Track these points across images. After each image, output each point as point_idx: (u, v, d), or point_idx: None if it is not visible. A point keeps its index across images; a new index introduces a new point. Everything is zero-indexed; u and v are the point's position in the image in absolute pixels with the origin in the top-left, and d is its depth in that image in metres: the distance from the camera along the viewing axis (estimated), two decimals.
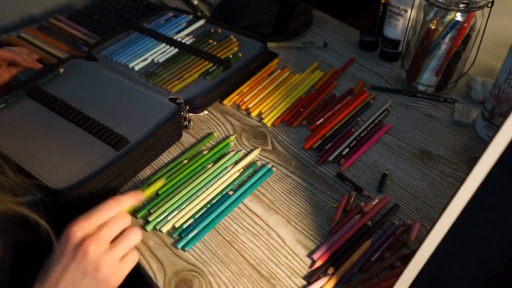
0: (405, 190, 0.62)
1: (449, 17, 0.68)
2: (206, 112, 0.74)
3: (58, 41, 0.89)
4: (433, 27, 0.69)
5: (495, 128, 0.65)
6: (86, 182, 0.57)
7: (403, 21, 0.78)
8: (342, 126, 0.71)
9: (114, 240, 0.47)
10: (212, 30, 0.85)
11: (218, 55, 0.78)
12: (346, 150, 0.66)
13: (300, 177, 0.64)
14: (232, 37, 0.83)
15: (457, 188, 0.34)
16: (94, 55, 0.80)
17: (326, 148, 0.67)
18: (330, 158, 0.65)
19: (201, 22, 0.88)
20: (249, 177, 0.63)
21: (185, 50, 0.80)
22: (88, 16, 0.95)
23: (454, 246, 0.38)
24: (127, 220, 0.49)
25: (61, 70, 0.76)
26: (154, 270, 0.53)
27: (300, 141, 0.69)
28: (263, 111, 0.74)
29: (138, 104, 0.70)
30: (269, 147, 0.68)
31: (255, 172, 0.64)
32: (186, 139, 0.70)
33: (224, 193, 0.61)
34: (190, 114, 0.72)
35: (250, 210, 0.60)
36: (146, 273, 0.53)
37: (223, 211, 0.59)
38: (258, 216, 0.59)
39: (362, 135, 0.69)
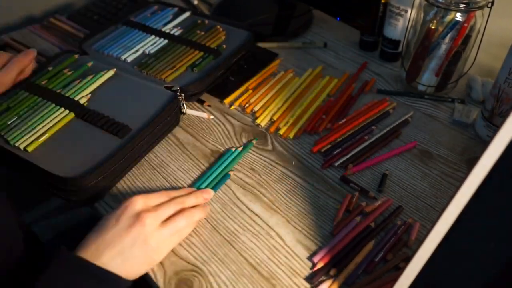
0: (405, 190, 0.62)
1: (449, 17, 0.68)
2: (212, 116, 0.73)
3: (61, 40, 0.89)
4: (433, 27, 0.69)
5: (495, 128, 0.65)
6: (97, 168, 0.58)
7: (403, 21, 0.78)
8: (355, 133, 0.69)
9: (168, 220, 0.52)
10: (199, 21, 0.86)
11: (207, 45, 0.79)
12: (354, 157, 0.65)
13: (300, 177, 0.64)
14: (218, 26, 0.84)
15: (457, 188, 0.34)
16: (85, 49, 0.81)
17: (334, 153, 0.66)
18: (337, 164, 0.65)
19: (187, 14, 0.88)
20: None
21: (174, 41, 0.81)
22: (88, 16, 0.95)
23: (454, 246, 0.38)
24: (184, 205, 0.55)
25: (89, 64, 0.76)
26: (154, 270, 0.53)
27: (300, 141, 0.69)
28: (274, 118, 0.72)
29: (136, 93, 0.71)
30: (269, 147, 0.68)
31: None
32: (187, 139, 0.70)
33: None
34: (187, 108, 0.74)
35: (250, 210, 0.60)
36: (146, 273, 0.53)
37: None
38: (258, 216, 0.59)
39: (375, 143, 0.67)
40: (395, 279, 0.50)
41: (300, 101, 0.75)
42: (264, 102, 0.75)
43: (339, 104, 0.74)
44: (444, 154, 0.67)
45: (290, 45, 0.89)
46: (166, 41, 0.81)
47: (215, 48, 0.78)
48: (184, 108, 0.72)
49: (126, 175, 0.64)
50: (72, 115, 0.67)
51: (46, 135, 0.64)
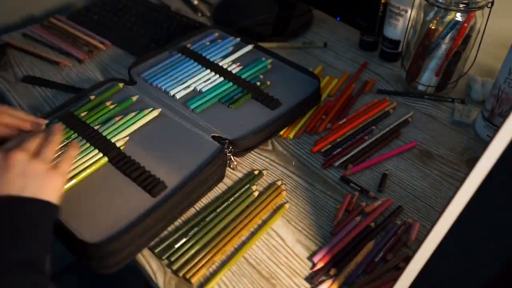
0: (405, 190, 0.62)
1: (449, 17, 0.68)
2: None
3: (63, 41, 0.89)
4: (433, 27, 0.69)
5: (495, 128, 0.65)
6: (121, 235, 0.50)
7: (403, 21, 0.78)
8: (355, 133, 0.69)
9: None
10: (263, 59, 0.77)
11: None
12: (354, 157, 0.65)
13: (300, 177, 0.64)
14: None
15: (457, 188, 0.34)
16: (133, 77, 0.74)
17: (334, 153, 0.66)
18: (337, 164, 0.65)
19: (249, 47, 0.80)
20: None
21: (230, 80, 0.73)
22: (88, 16, 0.95)
23: (454, 246, 0.38)
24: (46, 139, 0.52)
25: (134, 98, 0.69)
26: (154, 270, 0.53)
27: (300, 141, 0.69)
28: None
29: (179, 140, 0.63)
30: (269, 147, 0.68)
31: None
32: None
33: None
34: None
35: None
36: (146, 273, 0.53)
37: None
38: None
39: (375, 143, 0.67)
40: (395, 279, 0.50)
41: None
42: None
43: (339, 104, 0.74)
44: (444, 154, 0.67)
45: (290, 45, 0.89)
46: (221, 78, 0.73)
47: (275, 97, 0.70)
48: (233, 162, 0.63)
49: None
50: (106, 160, 0.60)
51: (74, 181, 0.57)
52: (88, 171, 0.58)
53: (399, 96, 0.76)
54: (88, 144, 0.61)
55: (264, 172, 0.64)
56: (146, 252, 0.55)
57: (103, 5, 0.98)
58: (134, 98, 0.69)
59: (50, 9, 1.05)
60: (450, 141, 0.69)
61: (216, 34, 0.84)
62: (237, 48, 0.80)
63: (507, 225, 0.36)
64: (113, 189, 0.57)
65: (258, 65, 0.76)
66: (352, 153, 0.66)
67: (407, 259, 0.53)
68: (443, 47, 0.70)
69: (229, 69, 0.75)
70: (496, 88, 0.64)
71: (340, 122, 0.71)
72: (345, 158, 0.65)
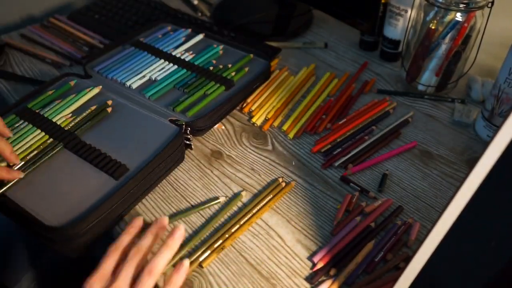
0: (405, 190, 0.62)
1: (449, 17, 0.68)
2: (223, 126, 0.72)
3: (63, 40, 0.89)
4: (433, 27, 0.69)
5: (495, 128, 0.65)
6: (85, 217, 0.52)
7: (403, 21, 0.78)
8: (355, 133, 0.69)
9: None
10: (215, 46, 0.80)
11: (222, 75, 0.74)
12: (354, 157, 0.65)
13: (300, 177, 0.64)
14: (247, 57, 0.78)
15: (457, 188, 0.34)
16: (88, 71, 0.76)
17: (334, 153, 0.66)
18: (337, 164, 0.65)
19: (200, 36, 0.83)
20: None
21: (184, 67, 0.75)
22: (88, 16, 0.95)
23: (454, 246, 0.38)
24: (142, 252, 0.47)
25: (72, 83, 0.72)
26: None
27: (300, 141, 0.69)
28: (269, 116, 0.72)
29: (137, 126, 0.65)
30: (269, 147, 0.68)
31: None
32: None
33: None
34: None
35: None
36: None
37: None
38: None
39: (375, 143, 0.67)
40: (395, 279, 0.50)
41: (300, 101, 0.76)
42: (260, 102, 0.75)
43: (339, 104, 0.74)
44: (444, 154, 0.67)
45: (291, 45, 0.89)
46: (175, 66, 0.76)
47: (228, 78, 0.73)
48: (191, 143, 0.66)
49: None
50: (61, 145, 0.62)
51: (31, 169, 0.59)
52: (45, 158, 0.60)
53: (399, 96, 0.76)
54: (43, 133, 0.63)
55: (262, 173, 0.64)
56: None
57: (104, 4, 0.98)
58: (72, 83, 0.72)
59: (50, 8, 1.05)
60: (450, 141, 0.69)
61: (169, 28, 0.86)
62: (188, 38, 0.83)
63: (507, 225, 0.36)
64: (73, 174, 0.59)
65: (210, 52, 0.79)
66: (352, 153, 0.66)
67: (407, 259, 0.53)
68: (443, 47, 0.70)
69: (182, 57, 0.78)
70: (496, 88, 0.64)
71: (340, 122, 0.71)
72: (345, 158, 0.65)
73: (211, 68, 0.75)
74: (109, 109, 0.68)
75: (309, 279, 0.52)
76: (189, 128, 0.65)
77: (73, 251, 0.53)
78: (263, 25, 0.93)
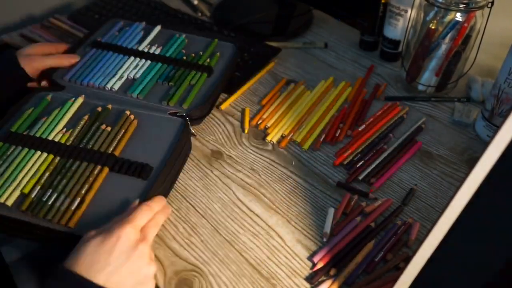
0: (405, 190, 0.62)
1: (449, 17, 0.68)
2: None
3: (63, 41, 0.89)
4: (433, 27, 0.69)
5: (495, 128, 0.65)
6: None
7: (403, 21, 0.78)
8: (373, 142, 0.68)
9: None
10: (177, 35, 0.79)
11: (199, 62, 0.74)
12: (375, 170, 0.63)
13: (300, 177, 0.64)
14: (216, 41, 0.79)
15: (457, 188, 0.34)
16: (58, 82, 0.70)
17: (358, 166, 0.64)
18: (360, 178, 0.63)
19: (158, 27, 0.81)
20: None
21: (159, 61, 0.74)
22: (88, 16, 0.95)
23: (454, 246, 0.38)
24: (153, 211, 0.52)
25: (49, 97, 0.67)
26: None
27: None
28: (285, 133, 0.70)
29: (143, 126, 0.65)
30: (269, 147, 0.68)
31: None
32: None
33: None
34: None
35: (250, 210, 0.60)
36: None
37: None
38: (258, 216, 0.59)
39: (394, 153, 0.66)
40: (395, 279, 0.50)
41: (314, 111, 0.73)
42: (276, 117, 0.72)
43: (354, 110, 0.73)
44: (444, 154, 0.67)
45: (291, 45, 0.89)
46: (149, 61, 0.74)
47: (206, 65, 0.73)
48: (193, 131, 0.70)
49: None
50: (107, 169, 0.59)
51: (86, 202, 0.55)
52: (95, 183, 0.57)
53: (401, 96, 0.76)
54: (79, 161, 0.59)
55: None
56: None
57: (104, 4, 0.98)
58: (49, 97, 0.67)
59: (50, 8, 1.05)
60: (450, 141, 0.69)
61: (122, 22, 0.82)
62: (147, 31, 0.81)
63: (507, 225, 0.36)
64: (102, 188, 0.57)
65: (176, 42, 0.78)
66: (373, 165, 0.64)
67: (407, 259, 0.53)
68: (443, 47, 0.70)
69: (150, 51, 0.76)
70: (496, 88, 0.64)
71: (360, 129, 0.69)
72: (367, 171, 0.63)
73: (184, 58, 0.75)
74: (135, 121, 0.65)
75: (309, 279, 0.52)
76: (188, 119, 0.66)
77: None
78: (263, 25, 0.93)
